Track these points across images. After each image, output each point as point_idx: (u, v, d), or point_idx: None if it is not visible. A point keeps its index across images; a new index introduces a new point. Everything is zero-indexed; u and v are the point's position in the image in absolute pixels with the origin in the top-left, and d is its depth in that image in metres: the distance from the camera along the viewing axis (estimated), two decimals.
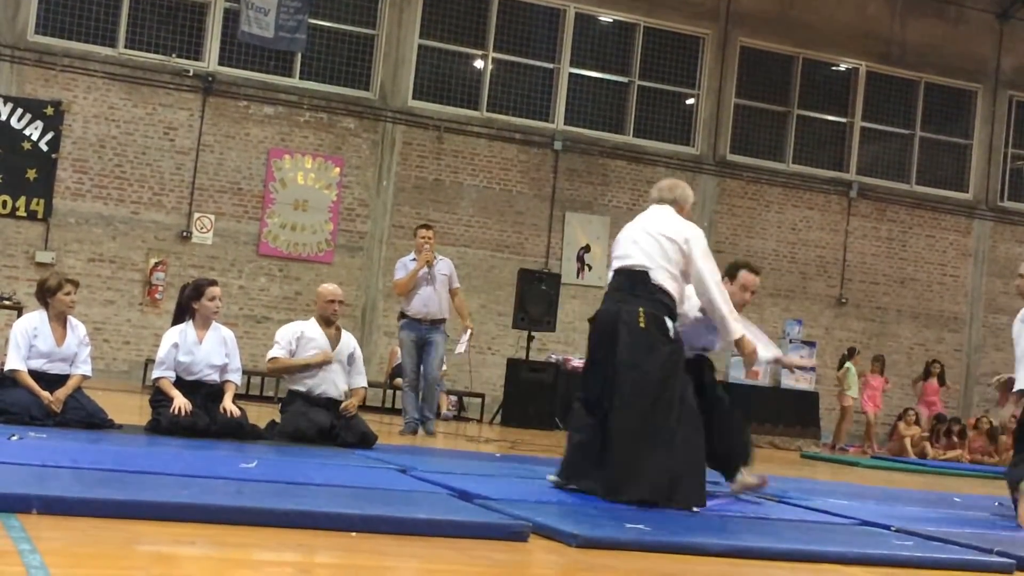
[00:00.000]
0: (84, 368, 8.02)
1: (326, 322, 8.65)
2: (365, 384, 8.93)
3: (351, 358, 8.70)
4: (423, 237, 11.19)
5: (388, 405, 15.85)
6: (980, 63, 20.67)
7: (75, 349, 7.99)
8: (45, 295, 8.00)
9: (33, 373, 7.78)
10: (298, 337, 8.53)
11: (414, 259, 11.19)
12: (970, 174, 20.80)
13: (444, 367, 15.98)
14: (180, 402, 7.81)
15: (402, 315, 11.34)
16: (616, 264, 6.41)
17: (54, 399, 7.69)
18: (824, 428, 17.40)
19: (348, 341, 8.75)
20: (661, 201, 6.58)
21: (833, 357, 19.20)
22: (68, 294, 7.97)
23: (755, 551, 4.68)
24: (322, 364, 8.46)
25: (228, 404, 8.04)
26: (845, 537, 5.39)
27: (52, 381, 7.82)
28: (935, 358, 18.88)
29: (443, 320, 11.22)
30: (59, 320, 7.98)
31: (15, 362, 7.78)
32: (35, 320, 7.97)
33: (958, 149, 20.87)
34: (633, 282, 6.26)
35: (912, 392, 18.68)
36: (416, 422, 11.08)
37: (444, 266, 11.25)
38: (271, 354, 8.60)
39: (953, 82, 20.63)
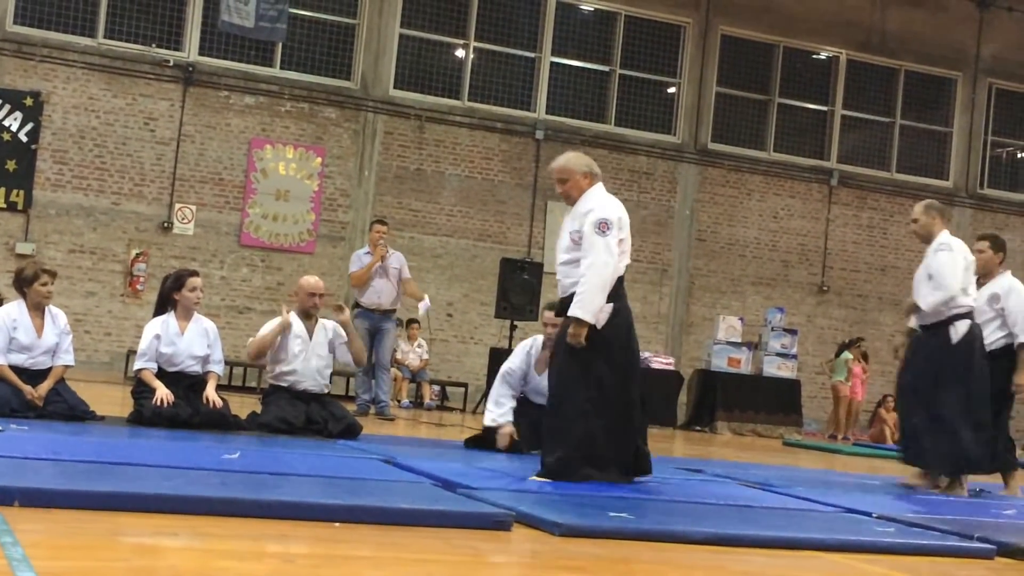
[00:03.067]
0: (67, 358, 7.95)
1: (305, 315, 8.64)
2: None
3: (331, 345, 8.67)
4: (378, 232, 11.97)
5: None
6: (960, 51, 20.74)
7: (56, 339, 7.90)
8: (22, 285, 7.92)
9: (15, 368, 7.70)
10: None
11: (368, 252, 11.97)
12: (950, 161, 20.88)
13: (427, 356, 16.10)
14: (162, 392, 7.80)
15: (356, 305, 11.98)
16: (628, 261, 6.45)
17: (37, 395, 7.64)
18: (805, 416, 17.46)
19: (324, 331, 8.64)
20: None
21: (815, 345, 19.30)
22: (44, 284, 7.86)
23: (737, 538, 4.70)
24: (283, 330, 8.35)
25: (211, 394, 8.02)
26: (827, 524, 5.41)
27: (34, 375, 7.76)
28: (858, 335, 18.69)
29: (394, 311, 12.02)
30: (38, 310, 7.90)
31: None
32: (13, 312, 7.86)
33: (938, 137, 20.94)
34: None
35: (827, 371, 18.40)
36: (367, 404, 11.85)
37: (395, 259, 11.98)
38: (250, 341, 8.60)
39: (933, 70, 20.69)
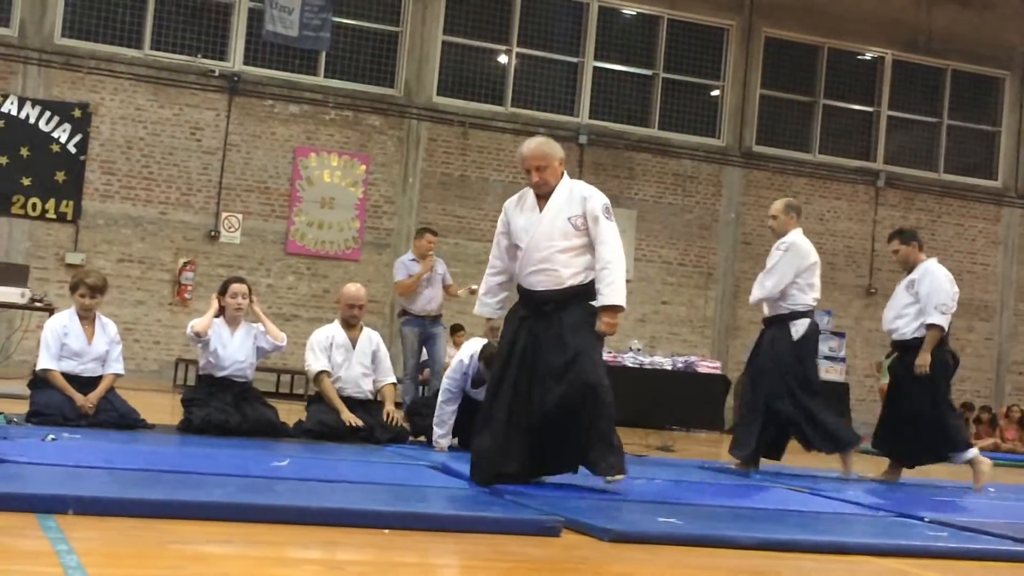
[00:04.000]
0: (116, 367, 8.07)
1: (348, 324, 8.70)
2: (393, 380, 8.93)
3: (375, 355, 8.72)
4: (429, 242, 11.88)
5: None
6: (1007, 49, 20.52)
7: (106, 347, 8.02)
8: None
9: (66, 376, 7.82)
10: (330, 343, 8.57)
11: (413, 259, 11.86)
12: (999, 161, 20.66)
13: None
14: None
15: (404, 312, 11.98)
16: None
17: (88, 403, 7.73)
18: (855, 419, 17.31)
19: (368, 341, 8.72)
20: None
21: (863, 348, 19.13)
22: (83, 296, 7.98)
23: (788, 543, 4.67)
24: (348, 422, 8.26)
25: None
26: (878, 528, 5.38)
27: (84, 383, 7.86)
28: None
29: (441, 315, 12.00)
30: (87, 318, 8.03)
31: (46, 361, 7.82)
32: (65, 319, 8.03)
33: (986, 136, 20.73)
34: None
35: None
36: None
37: (440, 266, 11.97)
38: (316, 367, 8.50)
39: (980, 69, 20.49)
